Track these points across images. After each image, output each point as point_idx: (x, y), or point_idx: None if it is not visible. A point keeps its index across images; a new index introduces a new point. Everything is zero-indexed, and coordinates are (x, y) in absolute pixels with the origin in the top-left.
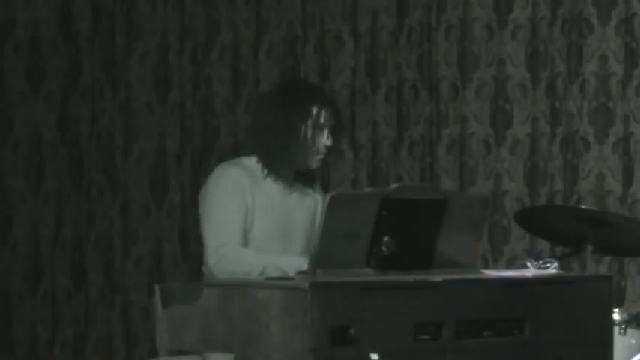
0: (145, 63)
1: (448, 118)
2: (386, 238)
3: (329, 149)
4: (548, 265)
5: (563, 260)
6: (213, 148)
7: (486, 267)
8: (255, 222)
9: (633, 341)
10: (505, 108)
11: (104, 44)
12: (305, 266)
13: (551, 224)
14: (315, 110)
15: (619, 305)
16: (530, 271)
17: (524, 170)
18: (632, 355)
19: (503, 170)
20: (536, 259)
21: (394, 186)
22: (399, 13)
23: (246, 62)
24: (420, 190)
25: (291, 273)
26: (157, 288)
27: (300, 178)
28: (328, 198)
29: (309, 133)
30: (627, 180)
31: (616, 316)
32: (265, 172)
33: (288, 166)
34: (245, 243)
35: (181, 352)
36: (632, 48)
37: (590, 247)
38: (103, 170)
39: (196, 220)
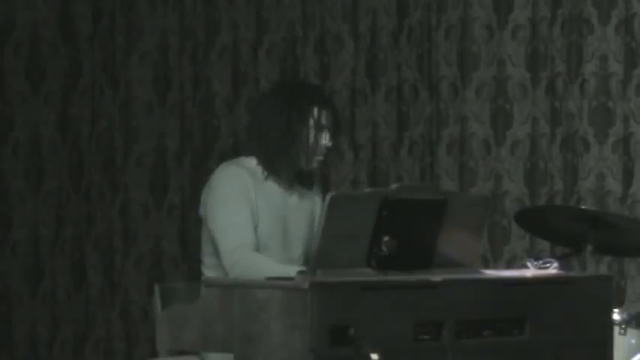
0: (145, 63)
1: (448, 118)
2: (386, 238)
3: (328, 150)
4: (548, 265)
5: (563, 260)
6: (213, 148)
7: (486, 267)
8: (259, 222)
9: (633, 341)
10: (505, 108)
11: (104, 44)
12: None
13: (551, 224)
14: (316, 111)
15: (619, 305)
16: (530, 271)
17: (524, 170)
18: (632, 355)
19: (503, 170)
20: (536, 259)
21: (394, 186)
22: (399, 13)
23: (246, 62)
24: (420, 190)
25: None
26: (156, 288)
27: (299, 179)
28: (328, 198)
29: (311, 134)
30: (627, 180)
31: (616, 316)
32: (266, 173)
33: (288, 168)
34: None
35: (181, 352)
36: (632, 48)
37: (590, 247)
38: (103, 170)
39: (196, 221)
